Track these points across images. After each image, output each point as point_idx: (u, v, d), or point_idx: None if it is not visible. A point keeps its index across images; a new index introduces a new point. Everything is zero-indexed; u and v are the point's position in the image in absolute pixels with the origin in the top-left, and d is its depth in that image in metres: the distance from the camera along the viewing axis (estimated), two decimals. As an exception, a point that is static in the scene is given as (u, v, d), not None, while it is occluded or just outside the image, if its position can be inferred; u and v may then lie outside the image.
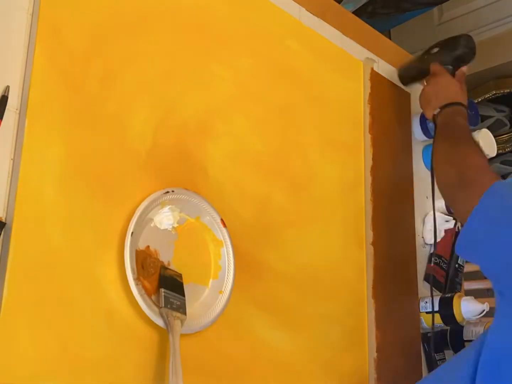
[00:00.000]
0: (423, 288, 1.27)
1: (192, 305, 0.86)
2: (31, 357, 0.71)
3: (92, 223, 0.79)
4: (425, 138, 1.36)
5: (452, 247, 1.35)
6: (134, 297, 0.79)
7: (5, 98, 0.75)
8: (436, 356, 1.22)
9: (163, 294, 0.82)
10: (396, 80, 1.34)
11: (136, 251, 0.82)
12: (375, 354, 1.10)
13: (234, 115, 1.00)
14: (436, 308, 1.20)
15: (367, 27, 1.36)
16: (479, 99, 2.21)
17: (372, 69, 1.27)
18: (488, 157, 1.31)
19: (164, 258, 0.86)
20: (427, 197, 1.35)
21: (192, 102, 0.95)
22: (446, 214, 1.35)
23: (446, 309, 1.19)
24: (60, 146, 0.78)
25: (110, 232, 0.81)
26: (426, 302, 1.22)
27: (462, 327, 1.22)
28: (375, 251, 1.15)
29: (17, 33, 0.78)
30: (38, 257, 0.74)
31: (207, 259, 0.91)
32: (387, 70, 1.34)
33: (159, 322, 0.80)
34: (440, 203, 1.36)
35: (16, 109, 0.77)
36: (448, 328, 1.24)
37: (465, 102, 1.12)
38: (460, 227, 1.40)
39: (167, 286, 0.83)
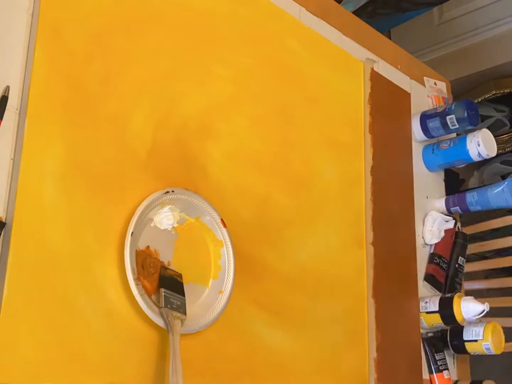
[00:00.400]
0: (423, 288, 1.27)
1: (193, 305, 0.86)
2: (31, 357, 0.71)
3: (92, 223, 0.79)
4: (425, 138, 1.36)
5: (452, 247, 1.35)
6: (134, 297, 0.79)
7: (5, 98, 0.75)
8: (436, 356, 1.22)
9: (163, 294, 0.82)
10: (396, 80, 1.35)
11: (136, 251, 0.82)
12: (375, 354, 1.10)
13: (234, 115, 1.01)
14: (437, 307, 1.20)
15: (367, 27, 1.36)
16: (479, 99, 2.22)
17: (372, 69, 1.27)
18: (488, 157, 1.31)
19: (164, 258, 0.86)
20: (427, 197, 1.35)
21: (192, 102, 0.95)
22: (446, 214, 1.35)
23: (446, 309, 1.19)
24: (60, 146, 0.78)
25: (110, 232, 0.81)
26: (426, 302, 1.22)
27: (462, 327, 1.22)
28: (375, 251, 1.15)
29: (17, 33, 0.78)
30: (38, 257, 0.74)
31: (207, 259, 0.91)
32: (387, 70, 1.34)
33: (159, 322, 0.80)
34: (440, 203, 1.37)
35: (16, 109, 0.77)
36: (448, 328, 1.24)
37: None
38: (460, 227, 1.40)
39: (167, 286, 0.83)
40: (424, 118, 1.35)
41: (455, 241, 1.35)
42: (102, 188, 0.81)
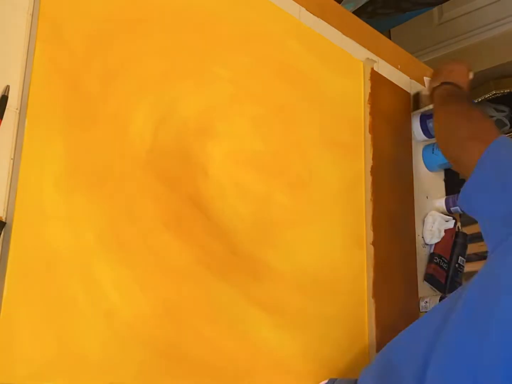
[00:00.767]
0: (423, 288, 1.27)
1: None
2: (31, 357, 0.71)
3: (92, 222, 0.79)
4: (425, 138, 1.36)
5: (452, 247, 1.35)
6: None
7: (5, 98, 0.75)
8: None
9: None
10: (396, 80, 1.35)
11: None
12: (375, 354, 1.09)
13: (234, 115, 1.01)
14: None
15: (367, 27, 1.36)
16: (479, 99, 2.21)
17: (372, 69, 1.27)
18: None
19: None
20: (427, 197, 1.35)
21: (192, 102, 0.95)
22: (446, 214, 1.35)
23: (446, 309, 1.19)
24: (60, 146, 0.78)
25: (110, 231, 0.81)
26: (426, 302, 1.22)
27: (462, 327, 1.22)
28: (375, 251, 1.15)
29: (17, 33, 0.78)
30: (38, 257, 0.74)
31: None
32: (387, 70, 1.34)
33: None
34: (440, 203, 1.37)
35: (16, 109, 0.77)
36: (448, 328, 1.24)
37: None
38: (460, 227, 1.40)
39: None
40: (424, 118, 1.35)
41: (455, 241, 1.36)
42: (102, 187, 0.81)
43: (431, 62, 2.10)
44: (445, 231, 1.32)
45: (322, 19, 1.22)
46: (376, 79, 1.27)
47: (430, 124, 1.33)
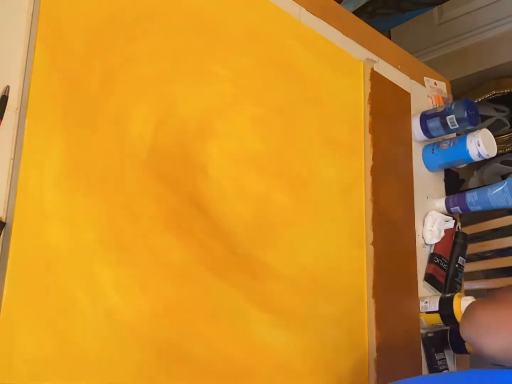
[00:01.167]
0: (423, 288, 1.27)
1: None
2: (31, 357, 0.71)
3: (92, 223, 0.79)
4: (425, 138, 1.36)
5: (452, 247, 1.35)
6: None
7: (5, 98, 0.75)
8: (436, 356, 1.22)
9: None
10: (396, 80, 1.35)
11: None
12: (375, 354, 1.10)
13: (234, 115, 1.00)
14: (437, 307, 1.20)
15: (367, 27, 1.36)
16: (479, 99, 2.22)
17: (372, 69, 1.27)
18: (488, 157, 1.31)
19: None
20: (427, 197, 1.35)
21: (192, 102, 0.95)
22: (446, 214, 1.35)
23: (446, 309, 1.19)
24: (60, 146, 0.78)
25: (110, 231, 0.81)
26: (426, 302, 1.22)
27: (462, 327, 1.22)
28: (375, 251, 1.15)
29: (17, 33, 0.78)
30: (38, 257, 0.74)
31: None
32: (387, 70, 1.34)
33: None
34: (440, 203, 1.37)
35: (16, 109, 0.77)
36: (448, 328, 1.24)
37: None
38: (460, 227, 1.40)
39: None
40: (424, 118, 1.34)
41: (455, 241, 1.36)
42: (102, 188, 0.81)
43: (431, 62, 2.10)
44: (445, 231, 1.32)
45: (322, 19, 1.22)
46: (376, 79, 1.27)
47: (430, 124, 1.33)
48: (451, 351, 1.25)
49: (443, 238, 1.32)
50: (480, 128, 1.33)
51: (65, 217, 0.77)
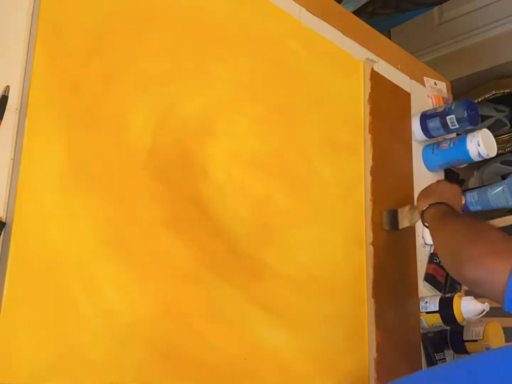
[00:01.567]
0: (423, 288, 1.27)
1: None
2: (31, 357, 0.71)
3: (92, 223, 0.79)
4: (425, 138, 1.36)
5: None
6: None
7: (5, 98, 0.75)
8: (436, 356, 1.22)
9: None
10: (396, 80, 1.35)
11: None
12: (375, 354, 1.09)
13: (234, 115, 1.00)
14: (437, 307, 1.20)
15: (367, 27, 1.36)
16: (479, 99, 2.22)
17: (372, 69, 1.27)
18: (488, 157, 1.31)
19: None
20: (427, 197, 1.35)
21: (192, 102, 0.95)
22: (446, 214, 1.35)
23: (446, 309, 1.19)
24: (60, 146, 0.78)
25: (110, 231, 0.81)
26: (426, 302, 1.22)
27: (462, 327, 1.22)
28: (375, 251, 1.15)
29: (17, 33, 0.78)
30: (38, 257, 0.74)
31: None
32: (387, 70, 1.34)
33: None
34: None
35: (16, 109, 0.77)
36: (448, 328, 1.24)
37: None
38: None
39: None
40: (424, 118, 1.34)
41: (455, 241, 1.35)
42: (102, 188, 0.81)
43: (431, 62, 2.10)
44: (445, 231, 1.32)
45: (322, 19, 1.22)
46: (376, 79, 1.27)
47: (430, 124, 1.33)
48: (451, 351, 1.25)
49: (443, 238, 1.32)
50: (480, 128, 1.33)
51: (65, 217, 0.77)
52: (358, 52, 1.28)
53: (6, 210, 0.73)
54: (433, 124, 1.33)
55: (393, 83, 1.33)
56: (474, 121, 1.29)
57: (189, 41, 0.97)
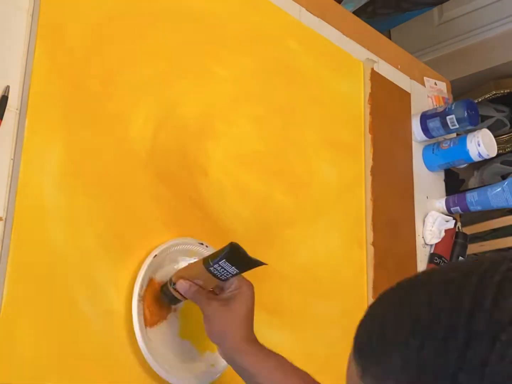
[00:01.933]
0: (423, 288, 1.26)
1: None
2: (31, 357, 0.71)
3: (92, 223, 0.79)
4: (425, 138, 1.36)
5: (452, 247, 1.35)
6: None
7: (5, 98, 0.75)
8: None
9: None
10: (396, 80, 1.34)
11: (152, 279, 0.82)
12: (375, 354, 1.09)
13: (234, 115, 1.00)
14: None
15: (367, 27, 1.36)
16: (479, 99, 2.22)
17: (372, 69, 1.27)
18: (489, 157, 1.31)
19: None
20: (427, 197, 1.35)
21: (192, 102, 0.95)
22: (446, 214, 1.35)
23: (446, 309, 1.19)
24: (60, 146, 0.78)
25: (110, 231, 0.81)
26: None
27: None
28: (375, 251, 1.15)
29: (17, 33, 0.78)
30: (38, 256, 0.74)
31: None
32: (387, 70, 1.34)
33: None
34: (440, 203, 1.37)
35: (16, 109, 0.77)
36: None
37: None
38: (460, 227, 1.40)
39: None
40: (424, 118, 1.34)
41: (455, 241, 1.35)
42: (102, 188, 0.81)
43: (431, 62, 2.10)
44: (445, 231, 1.32)
45: (322, 19, 1.22)
46: (376, 79, 1.27)
47: (430, 124, 1.33)
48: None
49: (443, 238, 1.32)
50: (480, 128, 1.33)
51: (65, 217, 0.77)
52: (358, 52, 1.28)
53: (6, 210, 0.73)
54: (433, 124, 1.33)
55: (393, 83, 1.33)
56: (474, 121, 1.29)
57: (189, 41, 0.97)
